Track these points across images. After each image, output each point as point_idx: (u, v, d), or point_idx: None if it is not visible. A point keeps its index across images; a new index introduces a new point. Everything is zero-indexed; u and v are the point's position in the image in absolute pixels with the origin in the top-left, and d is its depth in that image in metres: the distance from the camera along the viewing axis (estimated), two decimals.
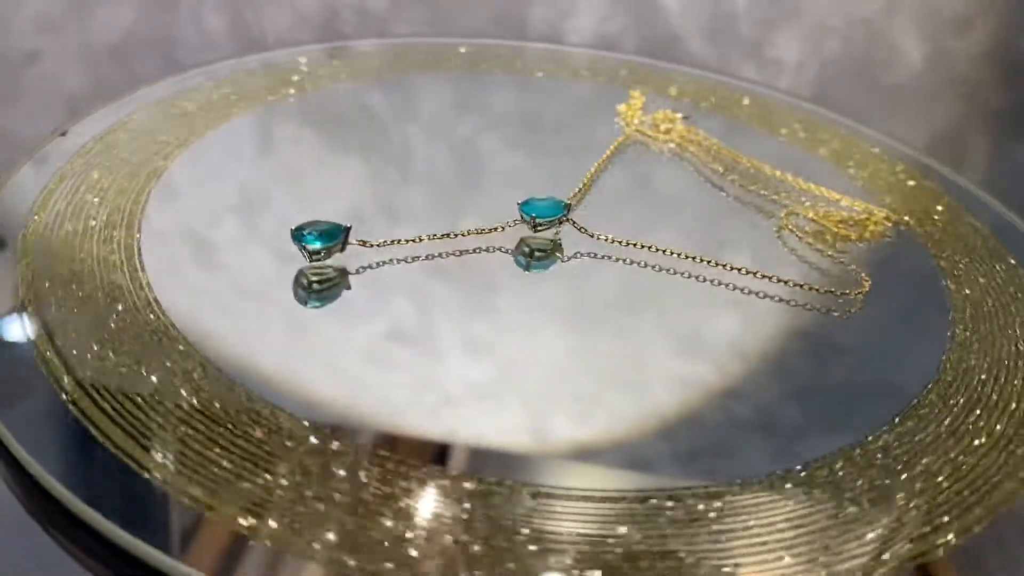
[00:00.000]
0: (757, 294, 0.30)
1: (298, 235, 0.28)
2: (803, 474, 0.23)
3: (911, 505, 0.23)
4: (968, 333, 0.29)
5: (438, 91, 0.42)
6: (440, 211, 0.34)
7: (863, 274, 0.31)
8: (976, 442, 0.25)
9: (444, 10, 0.54)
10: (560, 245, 0.31)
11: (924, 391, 0.27)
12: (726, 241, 0.33)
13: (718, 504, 0.22)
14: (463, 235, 0.30)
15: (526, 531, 0.21)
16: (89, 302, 0.26)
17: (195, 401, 0.23)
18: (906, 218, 0.35)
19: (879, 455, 0.24)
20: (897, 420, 0.25)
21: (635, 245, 0.31)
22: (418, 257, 0.30)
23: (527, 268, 0.30)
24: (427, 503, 0.22)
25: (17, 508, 0.22)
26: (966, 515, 0.23)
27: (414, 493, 0.22)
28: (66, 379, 0.24)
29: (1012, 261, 0.33)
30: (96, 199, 0.31)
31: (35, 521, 0.22)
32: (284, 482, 0.21)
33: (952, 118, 0.55)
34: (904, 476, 0.24)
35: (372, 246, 0.29)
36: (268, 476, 0.22)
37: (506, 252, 0.30)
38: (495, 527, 0.21)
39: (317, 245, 0.28)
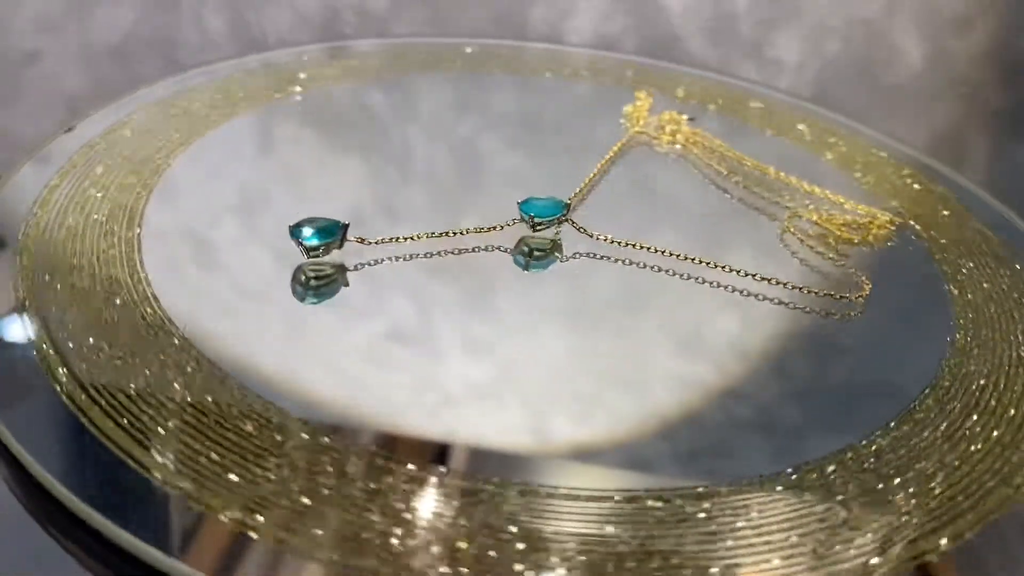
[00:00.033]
0: (756, 296, 0.30)
1: (296, 231, 0.28)
2: (806, 475, 0.23)
3: (906, 509, 0.23)
4: (969, 339, 0.29)
5: (438, 91, 0.42)
6: (440, 211, 0.34)
7: (864, 277, 0.31)
8: (972, 447, 0.25)
9: (444, 10, 0.54)
10: (560, 245, 0.31)
11: (920, 395, 0.26)
12: (727, 243, 0.33)
13: (718, 504, 0.22)
14: (462, 233, 0.30)
15: (527, 531, 0.21)
16: (88, 302, 0.26)
17: (189, 398, 0.23)
18: (911, 222, 0.35)
19: (872, 459, 0.24)
20: (892, 424, 0.25)
21: (634, 246, 0.31)
22: (416, 255, 0.30)
23: (526, 267, 0.30)
24: (427, 503, 0.22)
25: (17, 508, 0.22)
26: (958, 520, 0.23)
27: (414, 493, 0.22)
28: (66, 379, 0.24)
29: (1018, 267, 0.33)
30: (99, 193, 0.31)
31: (35, 521, 0.22)
32: (283, 481, 0.21)
33: (952, 118, 0.55)
34: (898, 480, 0.24)
35: (370, 243, 0.29)
36: (268, 476, 0.22)
37: (505, 251, 0.30)
38: (496, 527, 0.21)
39: (314, 241, 0.28)
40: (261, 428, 0.23)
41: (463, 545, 0.21)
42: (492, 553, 0.20)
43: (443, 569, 0.20)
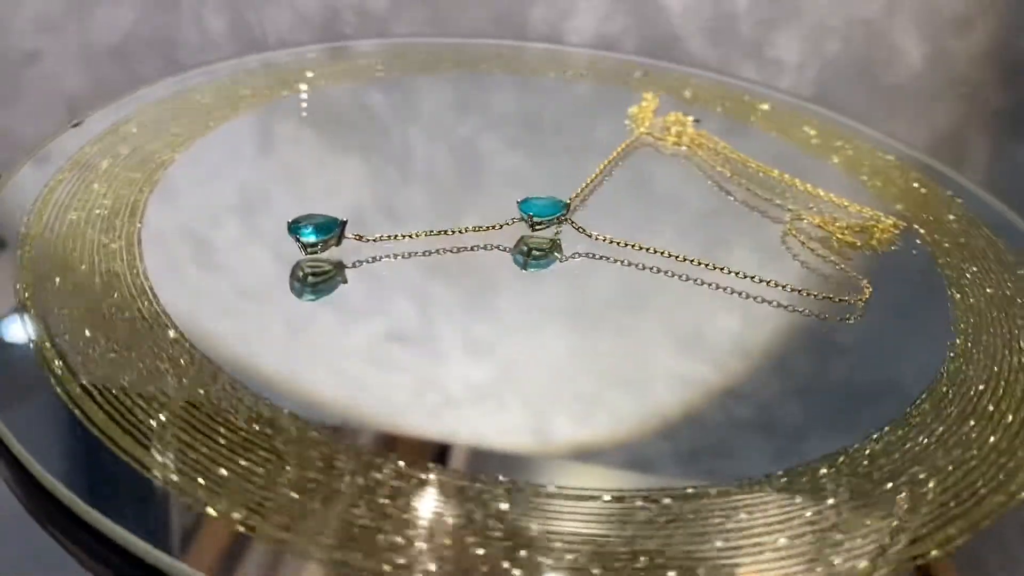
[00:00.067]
0: (756, 298, 0.30)
1: (294, 228, 0.28)
2: (799, 476, 0.23)
3: (902, 510, 0.23)
4: (969, 344, 0.29)
5: (438, 91, 0.42)
6: (440, 211, 0.34)
7: (865, 280, 0.31)
8: (968, 453, 0.25)
9: (444, 10, 0.54)
10: (559, 245, 0.31)
11: (918, 399, 0.26)
12: (729, 244, 0.33)
13: (720, 503, 0.22)
14: (461, 232, 0.30)
15: (527, 531, 0.21)
16: (87, 300, 0.26)
17: (189, 398, 0.23)
18: (915, 226, 0.35)
19: (866, 462, 0.24)
20: (887, 428, 0.25)
21: (633, 246, 0.31)
22: (416, 254, 0.30)
23: (525, 267, 0.30)
24: (428, 503, 0.21)
25: (17, 508, 0.22)
26: (955, 522, 0.23)
27: (414, 493, 0.22)
28: (66, 378, 0.24)
29: (1021, 272, 0.33)
30: (100, 192, 0.31)
31: (35, 521, 0.22)
32: (284, 482, 0.21)
33: (952, 118, 0.55)
34: (891, 485, 0.24)
35: (368, 240, 0.29)
36: (268, 476, 0.22)
37: (504, 250, 0.30)
38: (496, 527, 0.21)
39: (312, 238, 0.28)
40: (262, 429, 0.23)
41: (465, 545, 0.21)
42: (492, 553, 0.20)
43: (447, 569, 0.20)
